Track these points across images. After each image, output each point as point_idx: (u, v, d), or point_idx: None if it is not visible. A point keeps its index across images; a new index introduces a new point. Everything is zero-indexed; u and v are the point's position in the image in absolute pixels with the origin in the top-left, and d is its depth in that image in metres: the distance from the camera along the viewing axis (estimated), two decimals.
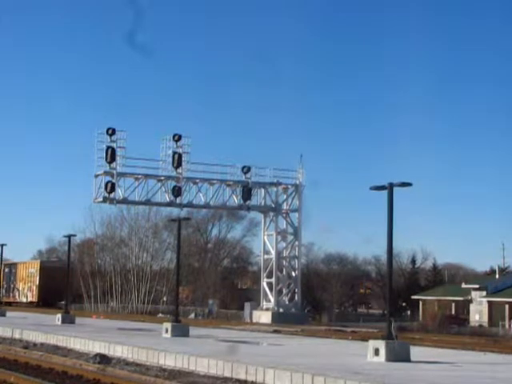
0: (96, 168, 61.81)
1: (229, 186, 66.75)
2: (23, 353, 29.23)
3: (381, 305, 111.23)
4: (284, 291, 69.66)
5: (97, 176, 62.01)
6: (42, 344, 32.64)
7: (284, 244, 69.99)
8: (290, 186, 69.69)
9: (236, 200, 67.17)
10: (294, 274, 69.98)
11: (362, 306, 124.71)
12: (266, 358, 23.45)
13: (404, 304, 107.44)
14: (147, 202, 65.89)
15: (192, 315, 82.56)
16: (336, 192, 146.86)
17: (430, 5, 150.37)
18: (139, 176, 62.95)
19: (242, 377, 20.73)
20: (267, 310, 68.52)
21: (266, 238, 70.17)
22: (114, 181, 61.72)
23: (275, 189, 69.41)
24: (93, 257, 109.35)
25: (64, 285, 56.29)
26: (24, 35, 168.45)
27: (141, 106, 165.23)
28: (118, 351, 27.22)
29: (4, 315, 56.36)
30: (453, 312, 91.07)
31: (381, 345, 23.67)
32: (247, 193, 66.74)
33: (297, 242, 70.27)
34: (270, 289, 69.13)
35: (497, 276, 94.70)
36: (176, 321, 35.81)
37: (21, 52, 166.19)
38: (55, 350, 30.20)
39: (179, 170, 63.75)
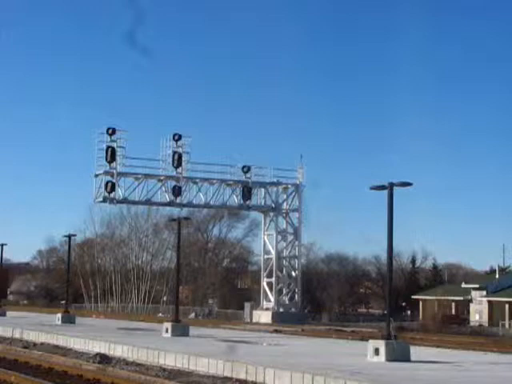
0: (96, 168, 61.88)
1: (229, 185, 66.76)
2: (23, 352, 29.22)
3: (381, 304, 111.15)
4: (284, 291, 69.68)
5: (97, 176, 62.02)
6: (42, 344, 32.65)
7: (284, 244, 70.02)
8: (290, 186, 69.71)
9: (236, 200, 67.19)
10: (294, 273, 70.00)
11: (362, 306, 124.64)
12: (265, 358, 23.45)
13: (404, 304, 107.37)
14: (147, 202, 65.91)
15: (192, 315, 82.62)
16: (336, 192, 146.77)
17: (430, 5, 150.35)
18: (139, 176, 62.95)
19: (242, 376, 20.72)
20: (267, 309, 68.52)
21: (266, 237, 70.19)
22: (114, 180, 61.73)
23: (275, 188, 69.43)
24: (93, 256, 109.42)
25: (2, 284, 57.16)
26: (24, 35, 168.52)
27: (141, 106, 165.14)
28: (118, 351, 27.22)
29: (4, 315, 56.41)
30: (453, 312, 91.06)
31: (381, 345, 23.67)
32: (247, 192, 66.76)
33: (297, 242, 70.30)
34: (270, 288, 69.15)
35: (497, 276, 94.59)
36: (176, 320, 35.83)
37: (21, 52, 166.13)
38: (55, 349, 30.20)
39: (179, 170, 63.77)
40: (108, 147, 61.53)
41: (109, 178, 61.75)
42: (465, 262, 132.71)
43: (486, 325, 79.01)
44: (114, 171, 61.82)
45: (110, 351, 27.55)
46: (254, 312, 70.35)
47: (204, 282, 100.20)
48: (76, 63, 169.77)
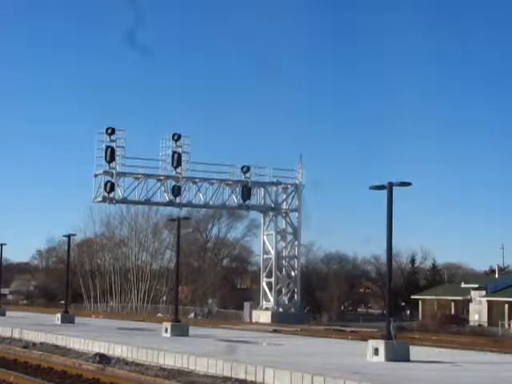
0: (96, 167, 61.91)
1: (228, 185, 66.77)
2: (23, 352, 29.20)
3: (380, 304, 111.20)
4: (283, 291, 69.69)
5: (96, 176, 62.03)
6: (41, 343, 32.63)
7: (283, 244, 70.02)
8: (289, 186, 69.72)
9: (235, 199, 67.19)
10: (293, 273, 70.00)
11: (362, 306, 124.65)
12: (265, 358, 23.43)
13: (403, 304, 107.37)
14: (147, 202, 65.93)
15: (191, 315, 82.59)
16: (336, 192, 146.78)
17: (430, 4, 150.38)
18: (139, 175, 62.96)
19: (242, 376, 20.71)
20: (267, 309, 68.53)
21: (265, 237, 70.19)
22: (113, 180, 61.75)
23: (275, 188, 69.44)
24: (92, 256, 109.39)
25: None
26: (24, 35, 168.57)
27: (141, 106, 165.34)
28: (117, 351, 27.20)
29: (4, 315, 56.39)
30: (452, 312, 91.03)
31: (380, 344, 23.65)
32: (247, 192, 66.76)
33: (296, 242, 70.30)
34: (270, 288, 69.15)
35: (496, 275, 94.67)
36: (175, 320, 35.82)
37: (21, 52, 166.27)
38: (55, 349, 30.17)
39: (179, 170, 63.78)
40: (107, 147, 61.56)
41: (108, 177, 61.78)
42: (464, 262, 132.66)
43: (486, 325, 78.96)
44: (114, 171, 61.84)
45: (109, 351, 27.54)
46: (254, 312, 70.37)
47: (203, 282, 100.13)
48: (76, 63, 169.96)
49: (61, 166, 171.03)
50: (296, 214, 70.03)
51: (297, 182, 69.90)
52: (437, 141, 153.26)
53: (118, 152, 61.86)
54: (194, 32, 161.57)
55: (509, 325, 76.81)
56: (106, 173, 61.72)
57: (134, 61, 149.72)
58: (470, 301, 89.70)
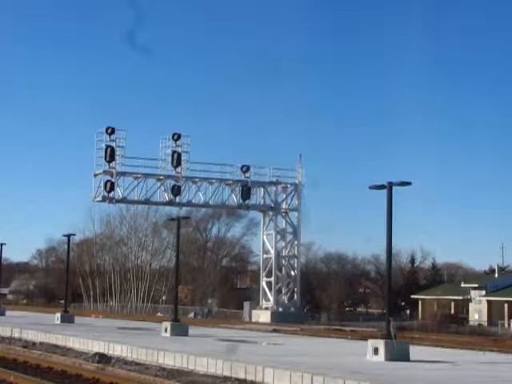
0: (95, 167, 61.91)
1: (228, 185, 66.78)
2: (22, 352, 29.18)
3: (380, 304, 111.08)
4: (283, 290, 69.68)
5: (96, 175, 62.01)
6: (41, 343, 32.63)
7: (283, 243, 70.01)
8: (289, 186, 69.71)
9: (235, 199, 67.19)
10: (293, 273, 70.00)
11: (361, 306, 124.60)
12: (265, 358, 23.43)
13: (403, 303, 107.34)
14: (146, 202, 65.90)
15: (191, 314, 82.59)
16: (335, 191, 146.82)
17: (430, 4, 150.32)
18: (138, 175, 62.95)
19: (242, 376, 20.71)
20: (266, 309, 68.52)
21: (265, 237, 70.19)
22: (113, 180, 61.74)
23: (274, 188, 69.43)
24: (92, 256, 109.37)
25: None
26: (24, 35, 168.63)
27: (140, 106, 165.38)
28: (117, 350, 27.20)
29: (3, 314, 56.36)
30: (452, 311, 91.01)
31: (380, 344, 23.65)
32: (246, 192, 66.76)
33: (296, 242, 70.29)
34: (270, 288, 69.13)
35: (496, 275, 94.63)
36: (175, 320, 35.81)
37: (21, 51, 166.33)
38: (54, 349, 30.16)
39: (178, 170, 63.78)
40: (107, 147, 61.56)
41: (108, 177, 61.77)
42: (464, 262, 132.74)
43: (485, 324, 78.98)
44: (113, 171, 61.83)
45: (109, 351, 27.53)
46: (254, 311, 70.36)
47: (203, 282, 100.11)
48: (76, 63, 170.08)
49: (61, 165, 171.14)
50: (296, 213, 70.04)
51: (296, 181, 69.89)
52: (437, 141, 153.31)
53: (118, 152, 61.88)
54: (194, 32, 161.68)
55: (508, 324, 76.82)
56: (105, 172, 61.72)
57: (134, 61, 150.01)
58: (469, 300, 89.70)
